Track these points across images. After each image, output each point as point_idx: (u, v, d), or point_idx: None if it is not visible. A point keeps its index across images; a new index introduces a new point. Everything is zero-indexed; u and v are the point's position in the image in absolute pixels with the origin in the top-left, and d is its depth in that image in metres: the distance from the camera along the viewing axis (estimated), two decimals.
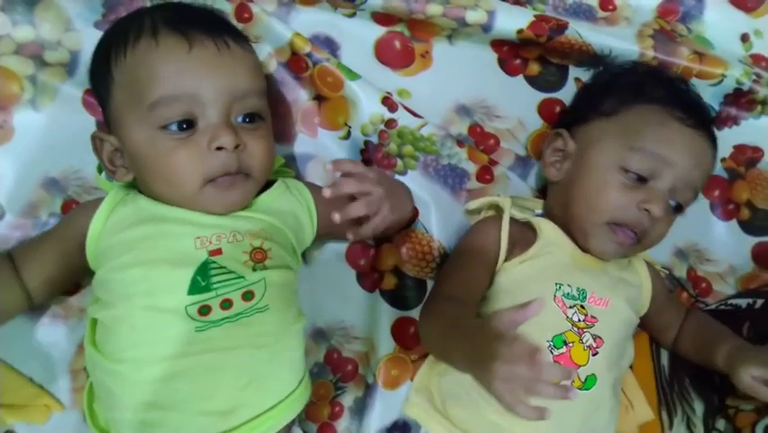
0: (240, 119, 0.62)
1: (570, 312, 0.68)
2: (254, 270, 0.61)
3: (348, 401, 0.76)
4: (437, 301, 0.71)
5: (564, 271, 0.70)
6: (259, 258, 0.62)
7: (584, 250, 0.72)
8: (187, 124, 0.59)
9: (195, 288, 0.58)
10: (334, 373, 0.76)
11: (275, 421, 0.61)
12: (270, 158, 0.66)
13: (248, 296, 0.60)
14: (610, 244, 0.70)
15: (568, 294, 0.69)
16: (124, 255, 0.59)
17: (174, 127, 0.59)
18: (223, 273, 0.59)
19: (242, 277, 0.60)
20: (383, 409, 0.75)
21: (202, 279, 0.58)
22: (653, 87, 0.74)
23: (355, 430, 0.75)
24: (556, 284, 0.69)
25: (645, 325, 0.81)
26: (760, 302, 0.81)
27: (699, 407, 0.83)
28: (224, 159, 0.60)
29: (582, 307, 0.69)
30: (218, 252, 0.60)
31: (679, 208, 0.72)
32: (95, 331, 0.62)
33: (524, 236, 0.73)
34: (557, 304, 0.68)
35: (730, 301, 0.85)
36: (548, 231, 0.73)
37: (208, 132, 0.59)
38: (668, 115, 0.70)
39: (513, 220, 0.73)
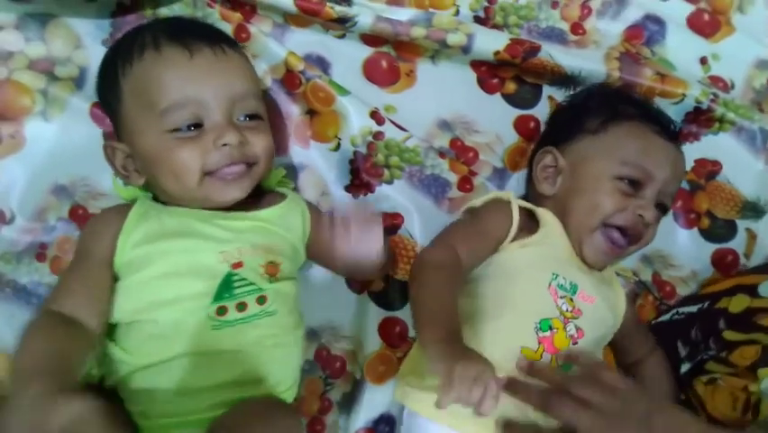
0: (242, 118, 0.66)
1: (560, 301, 0.71)
2: (269, 282, 0.65)
3: (336, 396, 0.79)
4: (432, 267, 0.69)
5: (561, 264, 0.74)
6: (272, 272, 0.65)
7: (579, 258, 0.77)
8: (195, 126, 0.64)
9: (218, 297, 0.61)
10: (324, 370, 0.80)
11: None
12: (272, 149, 0.70)
13: (261, 300, 0.63)
14: (602, 253, 0.75)
15: (562, 285, 0.72)
16: (150, 267, 0.62)
17: (183, 128, 0.63)
18: (243, 285, 0.63)
19: (260, 288, 0.64)
20: (370, 403, 0.79)
21: (225, 290, 0.62)
22: (626, 106, 0.80)
23: (343, 424, 0.79)
24: (553, 274, 0.72)
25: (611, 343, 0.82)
26: (707, 304, 0.83)
27: None
28: (228, 152, 0.64)
29: (572, 300, 0.72)
30: (239, 264, 0.63)
31: (664, 211, 0.78)
32: (113, 328, 0.63)
33: (527, 223, 0.76)
34: (550, 292, 0.71)
35: (682, 310, 0.88)
36: (551, 222, 0.76)
37: (214, 131, 0.63)
38: (648, 130, 0.77)
39: (519, 207, 0.76)
